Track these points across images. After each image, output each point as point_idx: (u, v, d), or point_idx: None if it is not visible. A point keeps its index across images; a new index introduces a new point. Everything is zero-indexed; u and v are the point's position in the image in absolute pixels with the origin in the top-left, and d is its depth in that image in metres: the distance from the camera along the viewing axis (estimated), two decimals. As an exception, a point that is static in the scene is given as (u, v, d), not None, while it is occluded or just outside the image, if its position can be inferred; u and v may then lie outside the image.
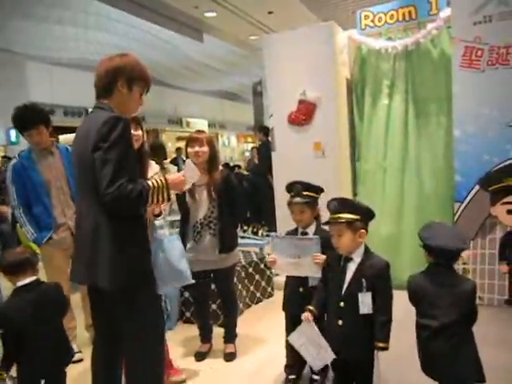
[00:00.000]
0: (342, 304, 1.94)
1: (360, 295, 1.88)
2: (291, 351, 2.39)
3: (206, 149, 2.69)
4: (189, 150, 2.74)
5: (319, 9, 6.80)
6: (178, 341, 3.10)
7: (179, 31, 7.28)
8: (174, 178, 1.84)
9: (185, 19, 6.99)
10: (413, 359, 1.88)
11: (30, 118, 2.82)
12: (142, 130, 2.64)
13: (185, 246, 2.58)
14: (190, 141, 2.75)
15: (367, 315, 1.89)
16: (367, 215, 1.97)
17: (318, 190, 2.37)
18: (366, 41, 3.97)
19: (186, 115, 13.42)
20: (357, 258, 1.95)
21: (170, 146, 11.59)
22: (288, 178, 2.47)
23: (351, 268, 1.94)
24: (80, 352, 2.87)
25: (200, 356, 2.85)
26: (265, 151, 5.91)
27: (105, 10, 6.98)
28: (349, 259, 1.96)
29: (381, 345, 1.86)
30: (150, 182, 1.75)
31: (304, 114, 3.92)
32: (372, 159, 4.00)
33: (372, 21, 4.02)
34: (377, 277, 1.90)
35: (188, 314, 3.43)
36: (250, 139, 17.19)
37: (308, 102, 3.89)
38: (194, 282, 2.20)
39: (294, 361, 2.43)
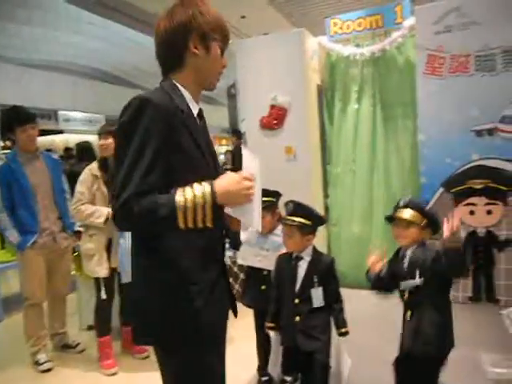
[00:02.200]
0: (297, 301, 2.06)
1: (313, 290, 2.02)
2: (263, 352, 2.46)
3: None
4: None
5: (291, 14, 6.91)
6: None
7: (150, 33, 7.25)
8: (229, 184, 1.16)
9: (155, 21, 6.98)
10: (379, 352, 1.96)
11: (25, 112, 2.82)
12: (114, 138, 2.68)
13: None
14: None
15: (321, 308, 2.03)
16: (318, 222, 2.11)
17: (275, 194, 2.45)
18: (335, 47, 4.07)
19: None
20: (307, 256, 2.09)
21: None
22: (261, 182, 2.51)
23: (303, 266, 2.07)
24: (50, 361, 2.85)
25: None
26: (238, 155, 5.96)
27: (76, 11, 6.89)
28: (299, 258, 2.08)
29: (343, 330, 2.03)
30: (180, 195, 1.12)
31: (275, 119, 3.99)
32: (342, 162, 4.11)
33: (341, 28, 4.12)
34: (326, 272, 2.06)
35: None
36: (224, 142, 17.20)
37: (279, 106, 3.96)
38: None
39: (266, 362, 2.49)
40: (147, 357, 2.89)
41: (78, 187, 2.72)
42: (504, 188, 3.27)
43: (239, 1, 6.39)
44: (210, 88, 1.34)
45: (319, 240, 3.79)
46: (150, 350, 2.96)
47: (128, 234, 2.63)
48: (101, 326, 2.81)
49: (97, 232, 2.70)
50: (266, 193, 2.44)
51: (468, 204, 3.40)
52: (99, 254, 2.68)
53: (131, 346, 2.95)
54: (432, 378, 1.79)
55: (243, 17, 7.20)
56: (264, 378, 2.50)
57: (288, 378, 2.51)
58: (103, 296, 2.71)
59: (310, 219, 2.08)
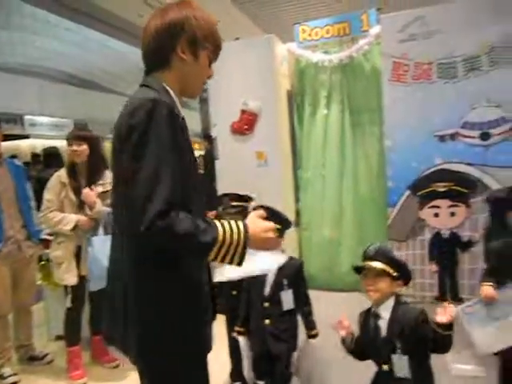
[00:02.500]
0: (266, 304, 2.08)
1: (282, 293, 2.04)
2: (235, 357, 2.47)
3: None
4: None
5: (261, 20, 6.97)
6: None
7: (123, 39, 7.17)
8: (260, 230, 1.16)
9: (128, 27, 6.90)
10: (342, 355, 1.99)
11: None
12: (88, 144, 2.65)
13: None
14: None
15: (290, 311, 2.06)
16: (286, 225, 2.12)
17: (247, 198, 2.48)
18: (304, 53, 4.14)
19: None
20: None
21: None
22: (231, 187, 2.54)
23: (272, 269, 2.09)
24: (15, 374, 2.77)
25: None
26: (209, 159, 5.94)
27: (42, 14, 6.73)
28: None
29: (312, 332, 2.07)
30: (220, 228, 1.09)
31: (246, 124, 4.02)
32: (312, 167, 4.18)
33: (309, 34, 4.20)
34: (295, 275, 2.09)
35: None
36: (197, 146, 17.11)
37: (250, 111, 3.99)
38: None
39: (239, 367, 2.50)
40: (117, 366, 2.85)
41: (46, 194, 2.65)
42: (466, 191, 3.40)
43: (210, 7, 6.40)
44: (192, 96, 1.31)
45: (290, 244, 3.85)
46: (121, 359, 2.92)
47: (98, 241, 2.61)
48: (70, 335, 2.75)
49: (65, 239, 2.65)
50: (238, 197, 2.48)
51: (432, 206, 3.52)
52: (68, 261, 2.63)
53: (101, 356, 2.89)
54: None
55: (214, 22, 7.22)
56: (236, 383, 2.51)
57: (261, 383, 2.53)
58: (68, 304, 2.67)
59: (279, 223, 2.10)
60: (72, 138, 2.67)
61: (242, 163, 4.00)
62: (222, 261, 1.10)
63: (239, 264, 1.12)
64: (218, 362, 2.50)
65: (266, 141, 3.97)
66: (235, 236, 1.10)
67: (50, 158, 4.80)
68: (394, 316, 1.59)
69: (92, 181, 2.70)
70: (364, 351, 1.70)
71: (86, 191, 2.63)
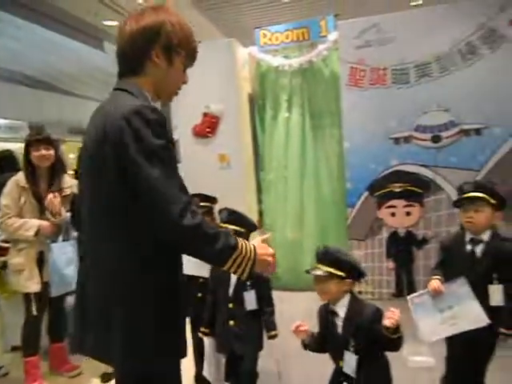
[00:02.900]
0: (231, 305, 2.11)
1: (245, 294, 2.07)
2: (200, 359, 2.48)
3: None
4: None
5: (221, 24, 6.99)
6: (85, 363, 2.98)
7: (78, 39, 6.97)
8: (266, 254, 1.24)
9: (84, 26, 6.72)
10: (306, 355, 2.04)
11: None
12: (54, 148, 2.60)
13: None
14: None
15: (253, 311, 2.09)
16: (251, 228, 2.18)
17: (212, 200, 2.50)
18: (265, 58, 4.21)
19: (90, 125, 12.79)
20: None
21: (72, 158, 10.94)
22: (194, 190, 2.53)
23: None
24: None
25: (106, 377, 2.77)
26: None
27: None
28: None
29: (272, 333, 2.10)
30: (240, 241, 1.18)
31: (208, 127, 4.03)
32: (274, 169, 4.24)
33: (270, 39, 4.26)
34: (258, 275, 2.10)
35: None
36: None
37: (212, 114, 4.00)
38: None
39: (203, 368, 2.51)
40: (79, 374, 2.77)
41: (3, 200, 2.55)
42: (420, 191, 3.57)
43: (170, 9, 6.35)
44: (166, 101, 1.33)
45: (254, 245, 3.89)
46: (83, 366, 2.85)
47: (57, 248, 2.56)
48: (29, 344, 2.63)
49: (26, 246, 2.56)
50: (203, 198, 2.48)
51: (389, 206, 3.66)
52: (29, 268, 2.53)
53: (61, 365, 2.81)
54: None
55: (175, 24, 7.16)
56: None
57: (226, 384, 2.55)
58: (34, 312, 2.56)
59: (243, 226, 2.13)
60: (39, 142, 2.57)
61: (204, 166, 4.01)
62: (235, 269, 1.16)
63: (244, 276, 1.18)
64: (182, 366, 2.51)
65: (228, 143, 3.99)
66: (250, 253, 1.18)
67: (5, 162, 4.60)
68: (350, 314, 1.63)
69: (54, 185, 2.63)
70: (324, 346, 1.76)
71: (50, 198, 2.55)
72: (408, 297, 2.04)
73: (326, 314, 1.72)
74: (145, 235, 1.15)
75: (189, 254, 1.18)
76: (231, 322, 2.10)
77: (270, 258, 1.24)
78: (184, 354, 1.26)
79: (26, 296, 2.59)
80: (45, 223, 2.54)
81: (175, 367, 1.26)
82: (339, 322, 1.65)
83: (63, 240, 2.62)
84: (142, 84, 1.23)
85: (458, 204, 2.03)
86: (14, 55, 8.36)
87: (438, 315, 1.95)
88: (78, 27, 6.75)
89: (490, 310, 1.87)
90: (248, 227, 2.17)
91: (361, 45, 3.65)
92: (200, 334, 2.27)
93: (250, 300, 2.09)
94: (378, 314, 1.59)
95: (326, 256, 1.65)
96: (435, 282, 1.96)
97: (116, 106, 1.15)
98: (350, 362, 1.61)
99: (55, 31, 6.55)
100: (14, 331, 2.92)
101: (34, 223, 2.52)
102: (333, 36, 3.90)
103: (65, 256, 2.58)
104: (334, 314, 1.67)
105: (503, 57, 3.31)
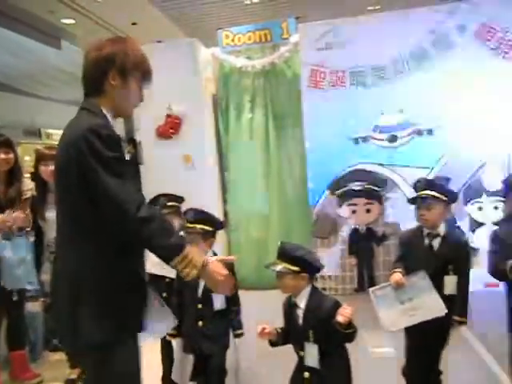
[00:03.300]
0: (200, 306, 2.13)
1: (214, 295, 2.09)
2: (168, 361, 2.48)
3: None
4: (42, 168, 2.62)
5: (184, 24, 6.96)
6: (46, 370, 2.90)
7: (34, 37, 6.74)
8: (217, 270, 1.40)
9: (40, 24, 6.51)
10: (277, 351, 2.09)
11: None
12: (13, 152, 2.57)
13: (40, 266, 2.66)
14: (41, 158, 2.63)
15: (221, 311, 2.12)
16: (217, 226, 2.23)
17: (180, 199, 2.52)
18: (228, 58, 4.23)
19: (46, 126, 12.34)
20: None
21: (28, 160, 10.53)
22: (159, 190, 2.54)
23: None
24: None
25: (70, 383, 2.72)
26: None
27: None
28: None
29: (238, 332, 2.17)
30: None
31: (172, 128, 4.01)
32: (238, 169, 4.27)
33: (232, 40, 4.29)
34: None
35: (56, 341, 3.22)
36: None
37: (175, 115, 3.99)
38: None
39: (171, 370, 2.51)
40: (40, 382, 2.70)
41: None
42: (378, 189, 3.71)
43: (131, 8, 6.27)
44: (125, 116, 1.55)
45: (220, 245, 3.90)
46: (44, 375, 2.78)
47: (11, 246, 2.50)
48: None
49: None
50: (171, 198, 2.49)
51: (350, 204, 3.79)
52: None
53: (22, 373, 2.73)
54: None
55: (134, 23, 7.06)
56: None
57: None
58: None
59: (210, 225, 2.16)
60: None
61: (168, 167, 3.98)
62: (181, 268, 1.33)
63: (187, 278, 1.36)
64: (150, 368, 2.50)
65: (192, 144, 3.99)
66: (197, 260, 1.35)
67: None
68: (309, 306, 1.72)
69: (14, 188, 2.61)
70: (288, 338, 1.83)
71: (15, 215, 2.55)
72: (370, 289, 2.13)
73: (289, 306, 1.79)
74: (105, 239, 1.34)
75: (143, 245, 1.39)
76: (200, 323, 2.12)
77: (220, 278, 1.39)
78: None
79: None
80: None
81: (132, 342, 1.44)
82: (300, 314, 1.73)
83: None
84: (102, 103, 1.44)
85: (412, 202, 2.14)
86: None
87: (399, 306, 2.05)
88: (34, 25, 6.52)
89: (445, 300, 1.99)
90: (215, 226, 2.20)
91: (321, 47, 3.74)
92: (168, 337, 2.27)
93: (219, 300, 2.11)
94: (337, 307, 1.67)
95: (282, 252, 1.75)
96: (397, 275, 2.06)
97: (77, 124, 1.38)
98: (311, 353, 1.68)
99: (11, 30, 6.30)
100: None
101: None
102: (294, 38, 3.98)
103: (16, 256, 2.54)
104: (296, 305, 1.74)
105: (453, 60, 3.50)
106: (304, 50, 3.81)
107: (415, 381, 2.19)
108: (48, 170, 2.55)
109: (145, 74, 1.51)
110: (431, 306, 1.99)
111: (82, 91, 1.49)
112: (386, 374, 2.40)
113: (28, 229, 2.64)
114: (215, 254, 2.20)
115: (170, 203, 2.45)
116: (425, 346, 2.10)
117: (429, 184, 2.11)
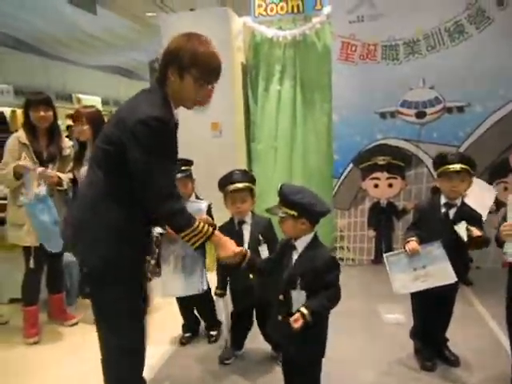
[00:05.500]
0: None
1: (259, 247, 2.27)
2: (188, 312, 2.68)
3: (86, 127, 2.70)
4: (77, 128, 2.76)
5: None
6: (80, 314, 3.13)
7: (69, 1, 6.83)
8: (225, 241, 1.69)
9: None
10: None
11: None
12: (53, 110, 2.69)
13: None
14: (78, 118, 2.75)
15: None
16: (254, 184, 2.37)
17: (191, 163, 2.64)
18: (260, 28, 4.25)
19: (77, 91, 12.59)
20: (249, 220, 2.33)
21: (61, 124, 10.83)
22: (187, 157, 2.65)
23: (247, 229, 2.32)
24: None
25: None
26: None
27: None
28: (243, 222, 2.33)
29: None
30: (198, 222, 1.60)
31: (202, 95, 4.09)
32: (265, 140, 4.36)
33: (265, 10, 4.31)
34: (266, 232, 2.32)
35: (88, 290, 3.44)
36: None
37: (205, 83, 4.06)
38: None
39: (189, 319, 2.73)
40: (76, 323, 2.94)
41: (4, 157, 2.66)
42: (402, 164, 3.75)
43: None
44: (186, 107, 1.65)
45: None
46: (80, 318, 3.01)
47: (48, 210, 2.64)
48: (29, 295, 2.78)
49: None
50: (185, 162, 2.59)
51: (373, 178, 3.85)
52: (29, 223, 2.65)
53: (59, 314, 2.97)
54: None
55: (168, -10, 7.07)
56: (187, 334, 2.72)
57: (213, 333, 2.71)
58: (32, 265, 2.69)
59: (254, 183, 2.35)
60: (39, 103, 2.66)
61: (197, 134, 4.09)
62: (189, 239, 1.57)
63: (195, 246, 1.60)
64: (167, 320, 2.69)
65: (221, 112, 4.06)
66: (207, 229, 1.60)
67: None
68: (305, 253, 1.68)
69: (54, 144, 2.75)
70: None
71: (40, 171, 2.61)
72: (384, 255, 2.23)
73: (286, 246, 1.77)
74: (132, 202, 1.55)
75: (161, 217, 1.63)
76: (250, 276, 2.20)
77: (234, 249, 1.68)
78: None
79: (26, 249, 2.72)
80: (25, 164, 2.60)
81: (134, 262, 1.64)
82: (295, 257, 1.70)
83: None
84: (166, 92, 1.57)
85: (442, 173, 2.17)
86: (2, 17, 8.13)
87: (412, 272, 2.15)
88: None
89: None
90: (254, 183, 2.37)
91: (353, 20, 3.74)
92: (215, 297, 2.46)
93: (263, 252, 2.26)
94: (330, 264, 1.66)
95: (281, 196, 1.71)
96: (413, 243, 2.15)
97: (136, 107, 1.51)
98: (299, 299, 1.65)
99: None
100: (11, 283, 3.07)
101: (11, 165, 2.59)
102: (327, 10, 3.97)
103: (53, 218, 2.64)
104: (294, 248, 1.71)
105: (489, 38, 3.45)
106: (335, 22, 3.81)
107: (423, 342, 2.32)
108: (83, 129, 2.69)
109: (205, 73, 1.56)
110: (443, 274, 2.09)
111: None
112: (395, 338, 2.54)
113: (66, 187, 2.75)
114: (254, 214, 2.36)
115: (183, 167, 2.53)
116: (433, 307, 2.21)
117: (463, 158, 2.17)
